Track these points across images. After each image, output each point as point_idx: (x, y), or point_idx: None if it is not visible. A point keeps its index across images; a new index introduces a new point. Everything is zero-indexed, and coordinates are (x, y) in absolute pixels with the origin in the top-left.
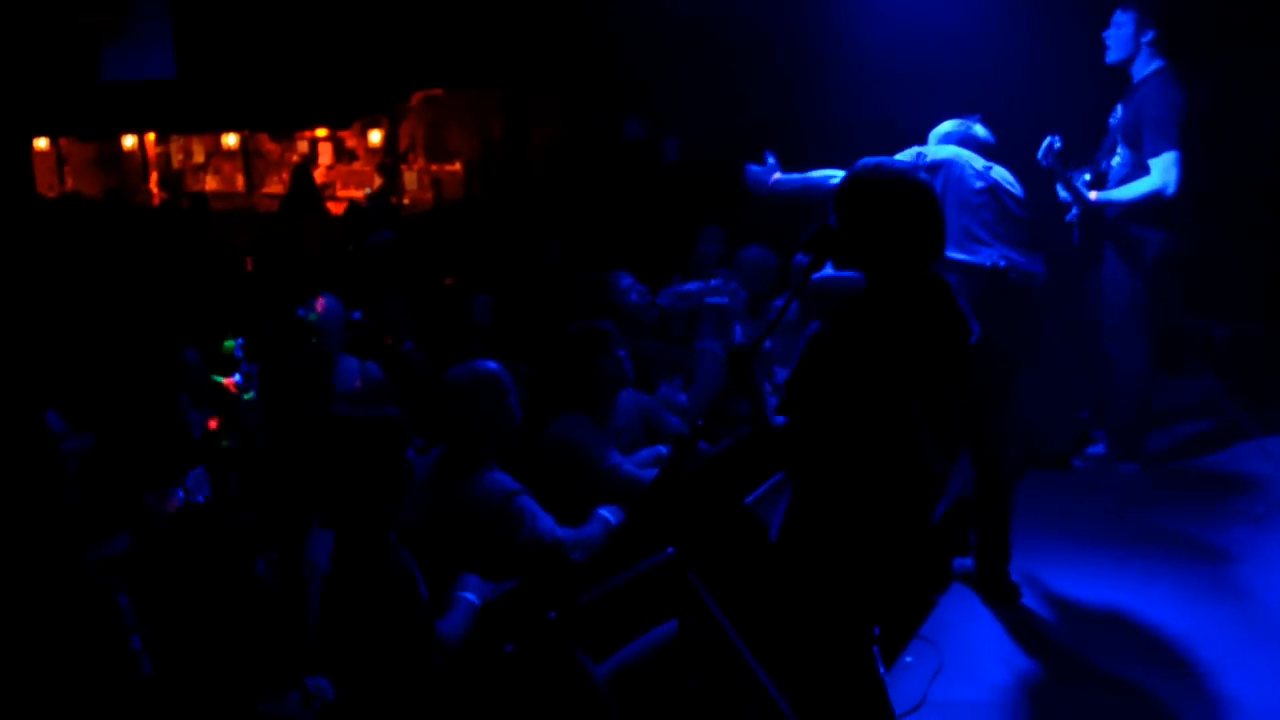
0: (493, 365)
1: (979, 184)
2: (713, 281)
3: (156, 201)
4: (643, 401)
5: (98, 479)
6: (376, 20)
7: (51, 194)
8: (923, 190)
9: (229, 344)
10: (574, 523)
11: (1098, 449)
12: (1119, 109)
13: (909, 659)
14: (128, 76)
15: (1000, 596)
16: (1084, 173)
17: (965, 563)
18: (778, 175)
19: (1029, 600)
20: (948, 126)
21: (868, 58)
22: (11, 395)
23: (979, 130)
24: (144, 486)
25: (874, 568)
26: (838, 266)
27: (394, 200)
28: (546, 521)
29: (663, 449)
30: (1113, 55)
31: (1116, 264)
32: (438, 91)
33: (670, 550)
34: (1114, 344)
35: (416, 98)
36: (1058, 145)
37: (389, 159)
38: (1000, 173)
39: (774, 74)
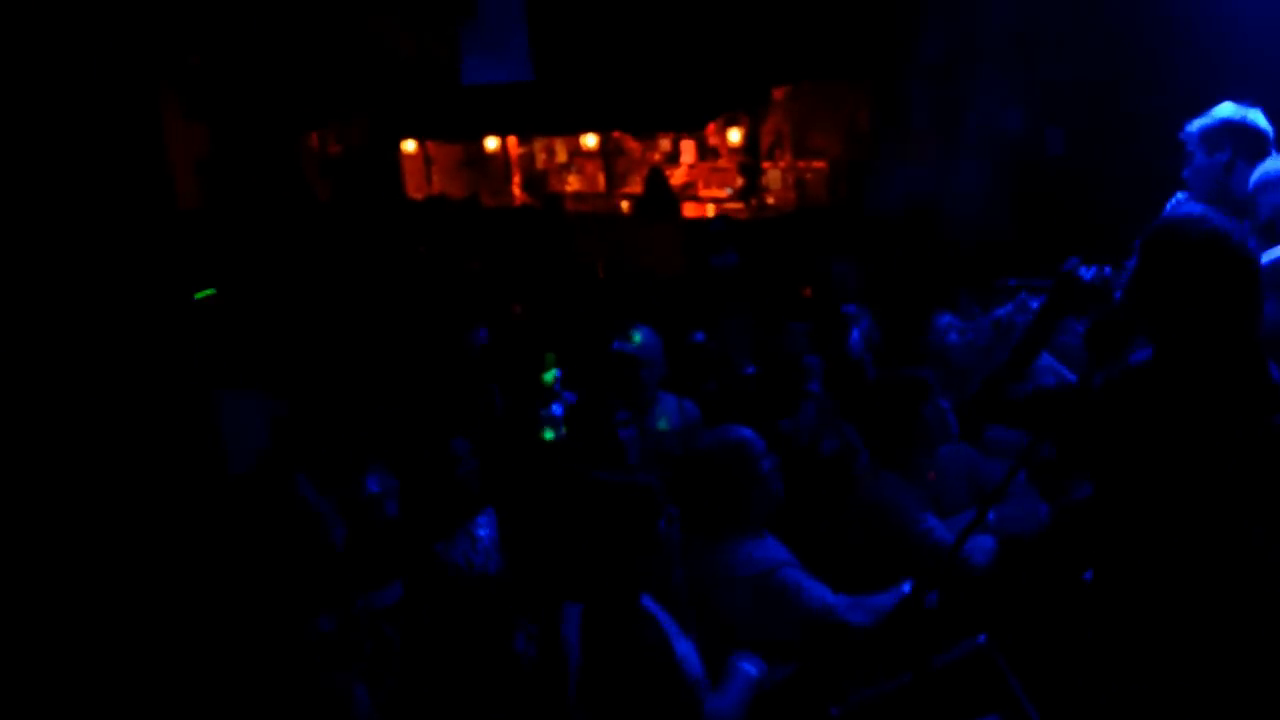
0: (744, 433)
1: None
2: (1021, 295)
3: (518, 203)
4: (968, 455)
5: (376, 526)
6: (734, 15)
7: (420, 195)
8: (1242, 259)
9: (549, 375)
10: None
11: None
12: None
13: None
14: (487, 80)
15: None
16: None
17: None
18: None
19: None
20: (1227, 111)
21: (1258, 46)
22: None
23: (1258, 119)
24: (428, 534)
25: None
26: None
27: (754, 201)
28: (817, 591)
29: (990, 513)
30: None
31: None
32: (802, 85)
33: (982, 638)
34: None
35: (779, 93)
36: None
37: (750, 158)
38: None
39: (1158, 61)
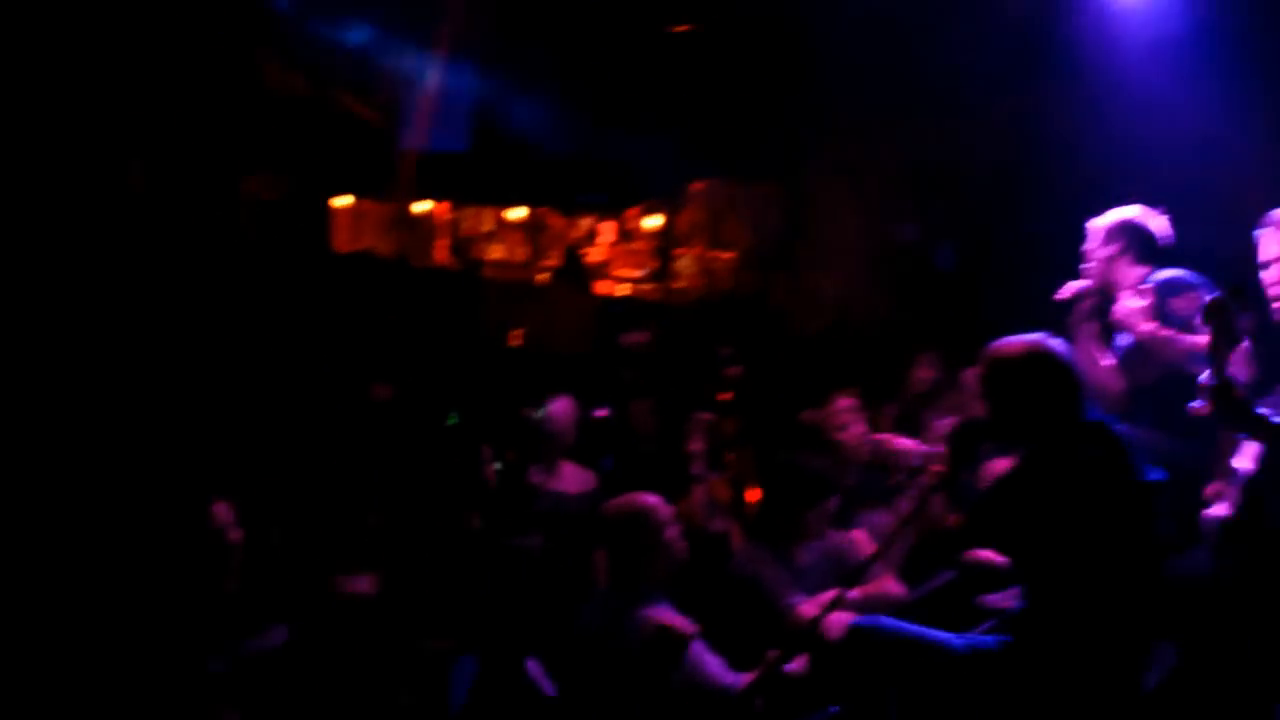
0: (652, 499)
1: None
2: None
3: (441, 266)
4: (836, 541)
5: (268, 569)
6: (660, 110)
7: (346, 250)
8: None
9: (452, 419)
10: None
11: None
12: None
13: None
14: (424, 147)
15: None
16: None
17: None
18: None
19: None
20: (1126, 214)
21: (1144, 171)
22: (182, 483)
23: (1154, 224)
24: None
25: None
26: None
27: (665, 284)
28: (714, 667)
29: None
30: None
31: None
32: (718, 180)
33: (833, 709)
34: None
35: (697, 185)
36: None
37: (664, 243)
38: None
39: (1048, 184)
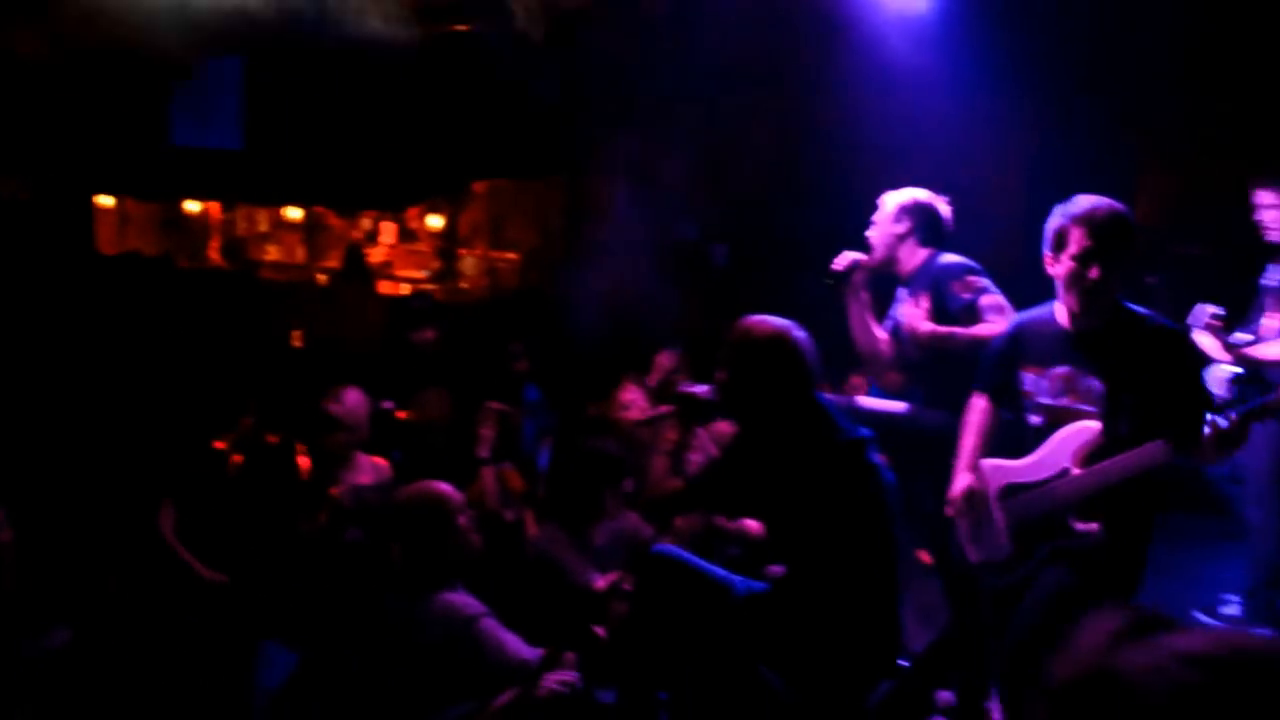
0: (444, 487)
1: None
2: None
3: (214, 267)
4: (630, 521)
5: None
6: (441, 108)
7: (112, 251)
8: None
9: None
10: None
11: (1233, 610)
12: (1270, 271)
13: None
14: (195, 143)
15: None
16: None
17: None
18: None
19: None
20: (919, 195)
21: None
22: None
23: (942, 208)
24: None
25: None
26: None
27: (449, 285)
28: (511, 643)
29: None
30: (1274, 235)
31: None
32: (500, 181)
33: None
34: (1253, 507)
35: (480, 186)
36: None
37: (447, 244)
38: None
39: (812, 186)
